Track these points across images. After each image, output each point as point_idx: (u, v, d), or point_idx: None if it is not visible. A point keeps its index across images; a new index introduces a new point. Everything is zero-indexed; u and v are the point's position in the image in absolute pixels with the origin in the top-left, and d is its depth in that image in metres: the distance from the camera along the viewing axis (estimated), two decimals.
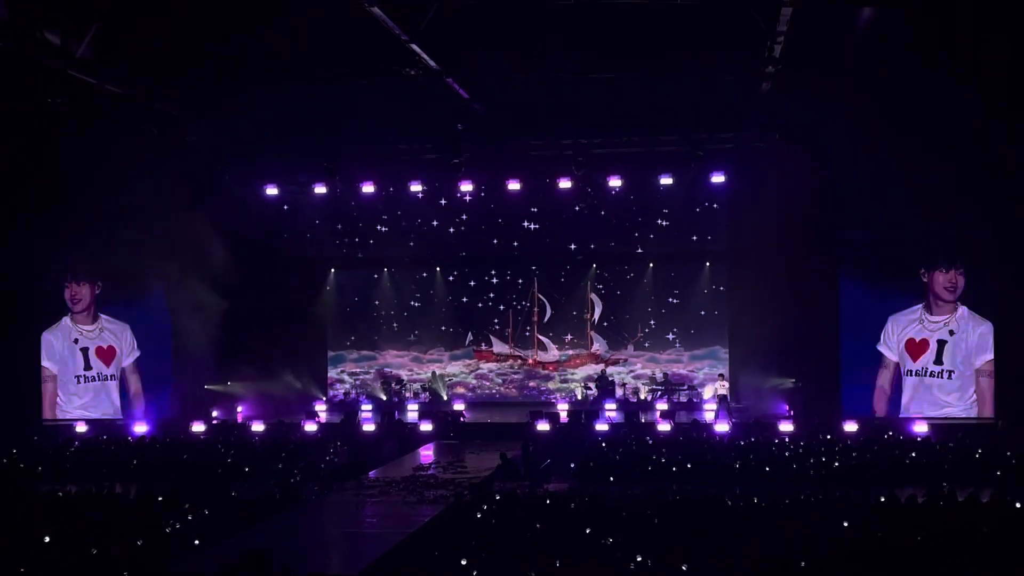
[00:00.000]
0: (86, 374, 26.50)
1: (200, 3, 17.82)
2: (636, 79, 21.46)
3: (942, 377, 24.07)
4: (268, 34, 19.12)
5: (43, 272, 25.97)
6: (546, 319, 30.17)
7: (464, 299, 30.52)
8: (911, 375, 24.24)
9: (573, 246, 29.51)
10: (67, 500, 15.66)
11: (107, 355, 26.61)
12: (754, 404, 26.19)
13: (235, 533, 14.18)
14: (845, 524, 12.94)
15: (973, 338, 23.92)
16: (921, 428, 22.24)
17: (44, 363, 26.29)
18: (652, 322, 29.63)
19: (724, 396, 26.82)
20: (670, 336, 29.56)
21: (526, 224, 29.28)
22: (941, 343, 24.08)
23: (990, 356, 23.78)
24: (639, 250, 29.31)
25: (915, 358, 24.21)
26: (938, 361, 24.05)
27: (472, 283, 30.49)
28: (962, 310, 24.01)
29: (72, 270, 26.32)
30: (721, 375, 28.32)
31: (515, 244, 29.68)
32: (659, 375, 28.99)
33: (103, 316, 26.65)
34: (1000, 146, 22.25)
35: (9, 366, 25.93)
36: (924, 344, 24.19)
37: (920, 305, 24.15)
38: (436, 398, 29.37)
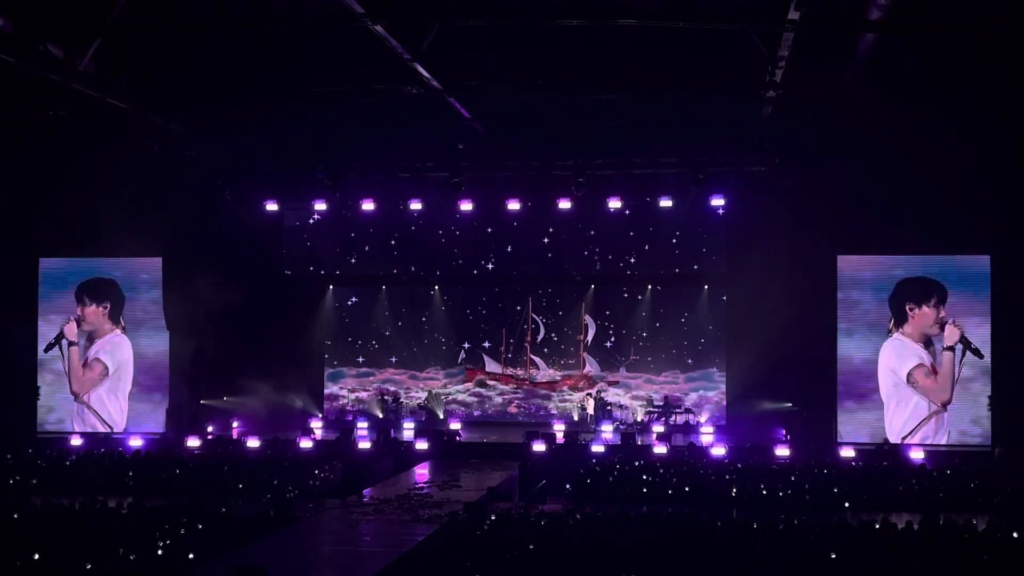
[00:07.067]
0: None
1: (202, 19, 17.86)
2: (637, 102, 21.55)
3: None
4: (270, 50, 19.18)
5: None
6: (539, 339, 30.13)
7: (462, 318, 30.45)
8: None
9: (572, 267, 29.48)
10: (60, 515, 15.61)
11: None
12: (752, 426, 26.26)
13: (228, 550, 14.14)
14: (833, 556, 12.88)
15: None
16: (917, 455, 22.21)
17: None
18: (649, 344, 29.57)
19: (591, 415, 27.36)
20: (666, 358, 29.49)
21: (525, 244, 29.21)
22: None
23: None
24: (637, 272, 29.26)
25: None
26: None
27: (470, 302, 30.44)
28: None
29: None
30: (589, 394, 28.44)
31: (514, 264, 29.62)
32: (657, 397, 28.94)
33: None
34: (1002, 171, 22.39)
35: (5, 378, 26.03)
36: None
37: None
38: (432, 417, 29.32)
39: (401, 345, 30.59)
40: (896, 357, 24.76)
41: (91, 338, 27.14)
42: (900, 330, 24.75)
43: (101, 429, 26.53)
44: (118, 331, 27.10)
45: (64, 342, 27.04)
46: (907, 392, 24.63)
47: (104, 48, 18.93)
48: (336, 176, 25.84)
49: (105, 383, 27.00)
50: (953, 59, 18.17)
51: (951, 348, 24.44)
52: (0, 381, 26.03)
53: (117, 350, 27.10)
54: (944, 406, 24.41)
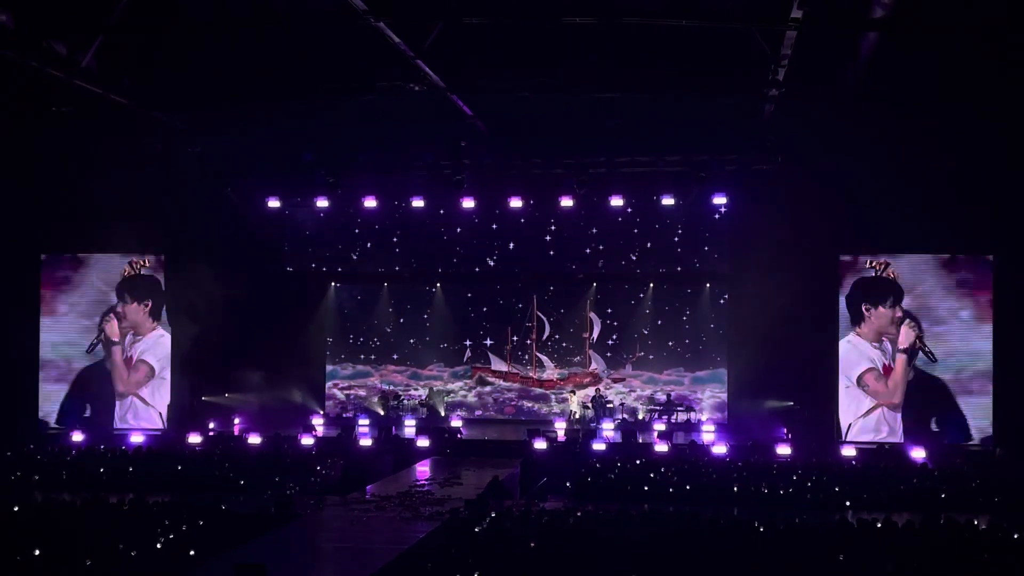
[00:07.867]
0: None
1: (205, 16, 17.87)
2: (640, 99, 21.53)
3: None
4: (273, 48, 19.18)
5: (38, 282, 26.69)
6: (544, 337, 30.13)
7: (464, 316, 30.47)
8: None
9: (574, 265, 29.46)
10: (61, 511, 15.62)
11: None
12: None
13: (229, 547, 14.15)
14: (841, 557, 12.87)
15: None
16: (919, 454, 22.20)
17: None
18: (651, 342, 29.58)
19: (573, 411, 27.80)
20: (667, 356, 29.50)
21: (527, 242, 29.20)
22: None
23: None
24: (640, 270, 29.24)
25: None
26: None
27: (472, 300, 30.46)
28: None
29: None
30: (572, 391, 28.64)
31: (516, 261, 29.60)
32: (659, 396, 28.95)
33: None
34: (1005, 170, 22.40)
35: (7, 374, 26.05)
36: None
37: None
38: (434, 414, 29.34)
39: (403, 342, 30.61)
40: (847, 360, 24.77)
41: (134, 334, 26.95)
42: (855, 330, 24.75)
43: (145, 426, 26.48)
44: (159, 328, 26.97)
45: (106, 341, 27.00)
46: (857, 394, 24.69)
47: (106, 45, 18.95)
48: (337, 173, 25.87)
49: (150, 383, 26.91)
50: (955, 59, 18.16)
51: (905, 351, 24.43)
52: (1, 377, 26.04)
53: (163, 351, 26.98)
54: (894, 408, 24.43)
